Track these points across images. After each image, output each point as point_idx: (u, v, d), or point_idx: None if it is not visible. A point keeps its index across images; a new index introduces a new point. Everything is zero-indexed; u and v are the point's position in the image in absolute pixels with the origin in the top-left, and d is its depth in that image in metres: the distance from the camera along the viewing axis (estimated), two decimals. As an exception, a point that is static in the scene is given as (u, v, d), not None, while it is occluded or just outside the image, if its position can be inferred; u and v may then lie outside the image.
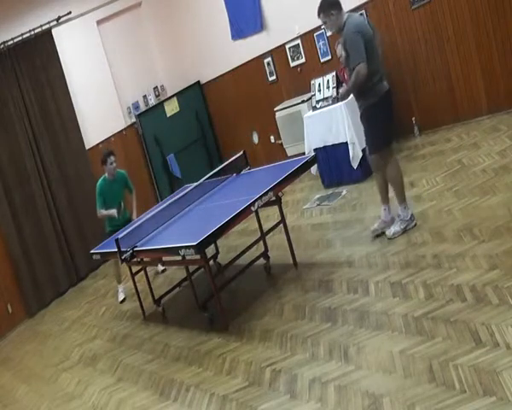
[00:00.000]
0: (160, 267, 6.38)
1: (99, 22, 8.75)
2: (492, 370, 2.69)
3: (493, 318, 3.06)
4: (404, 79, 6.86)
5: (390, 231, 4.54)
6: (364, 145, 6.23)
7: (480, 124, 6.26)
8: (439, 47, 6.47)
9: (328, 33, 7.31)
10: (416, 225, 4.55)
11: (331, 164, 6.41)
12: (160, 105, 9.18)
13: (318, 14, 4.43)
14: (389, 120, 4.51)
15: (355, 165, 6.22)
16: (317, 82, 6.57)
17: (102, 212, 6.06)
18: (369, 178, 6.24)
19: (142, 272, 5.65)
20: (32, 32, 7.74)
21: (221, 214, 4.40)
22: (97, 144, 8.50)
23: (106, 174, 6.14)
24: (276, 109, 7.88)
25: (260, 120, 8.60)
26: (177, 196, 5.74)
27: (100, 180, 6.13)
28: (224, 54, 8.69)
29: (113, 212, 5.99)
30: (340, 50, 6.50)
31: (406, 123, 6.90)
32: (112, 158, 6.05)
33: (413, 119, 6.90)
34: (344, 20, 4.33)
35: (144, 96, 9.30)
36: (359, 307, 3.83)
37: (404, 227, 4.53)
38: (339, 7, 4.39)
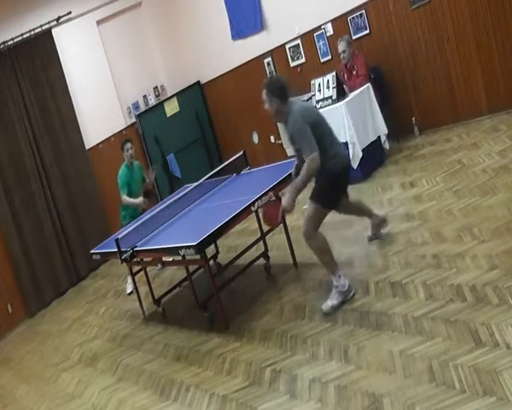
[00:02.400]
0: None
1: (99, 22, 8.75)
2: (492, 370, 2.69)
3: (493, 318, 3.06)
4: (404, 79, 6.86)
5: (327, 305, 3.94)
6: (364, 145, 6.30)
7: (480, 124, 6.26)
8: (439, 47, 6.47)
9: (329, 33, 7.34)
10: (354, 295, 3.99)
11: (331, 164, 6.40)
12: (160, 105, 9.18)
13: (263, 88, 4.01)
14: (340, 191, 4.16)
15: (355, 165, 6.22)
16: (317, 82, 6.57)
17: (128, 199, 6.16)
18: (369, 178, 6.26)
19: (142, 272, 5.65)
20: (32, 32, 7.74)
21: (221, 214, 4.40)
22: (97, 144, 8.50)
23: (127, 162, 6.31)
24: (276, 109, 7.87)
25: (260, 119, 8.59)
26: (177, 196, 5.74)
27: (122, 167, 6.30)
28: (224, 54, 8.69)
29: (140, 200, 6.16)
30: (341, 46, 6.57)
31: (406, 123, 6.90)
32: (128, 145, 6.27)
33: (413, 119, 6.90)
34: (287, 110, 3.94)
35: (144, 96, 9.30)
36: (359, 307, 3.83)
37: (341, 300, 3.95)
38: (284, 97, 3.96)
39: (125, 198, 6.18)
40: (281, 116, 4.01)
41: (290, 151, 7.82)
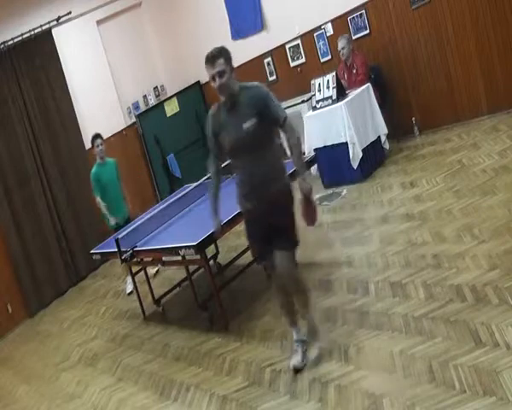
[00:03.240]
0: (152, 271, 6.33)
1: (99, 22, 8.75)
2: (492, 370, 2.69)
3: (493, 318, 3.06)
4: (404, 79, 6.86)
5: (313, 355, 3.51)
6: (364, 145, 6.29)
7: (479, 124, 6.27)
8: (439, 47, 6.47)
9: (329, 33, 7.33)
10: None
11: (331, 164, 6.41)
12: (160, 105, 9.18)
13: (217, 58, 3.27)
14: None
15: (355, 165, 6.22)
16: (317, 82, 6.57)
17: (100, 203, 6.05)
18: (369, 178, 6.26)
19: (142, 271, 5.66)
20: (32, 32, 7.74)
21: (221, 214, 4.39)
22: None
23: (98, 159, 6.21)
24: (276, 109, 7.87)
25: (260, 119, 8.60)
26: (177, 196, 5.74)
27: (93, 168, 6.20)
28: (224, 54, 8.68)
29: (112, 219, 6.03)
30: (341, 43, 6.61)
31: (406, 123, 6.90)
32: (98, 141, 6.16)
33: (413, 119, 6.90)
34: (237, 85, 3.33)
35: (144, 96, 9.30)
36: (359, 307, 3.83)
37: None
38: None
39: (98, 201, 6.07)
40: (233, 88, 3.30)
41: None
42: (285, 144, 3.47)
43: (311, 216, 3.39)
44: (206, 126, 3.52)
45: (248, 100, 3.29)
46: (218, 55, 3.29)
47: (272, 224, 3.31)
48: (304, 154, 3.46)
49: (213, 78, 3.26)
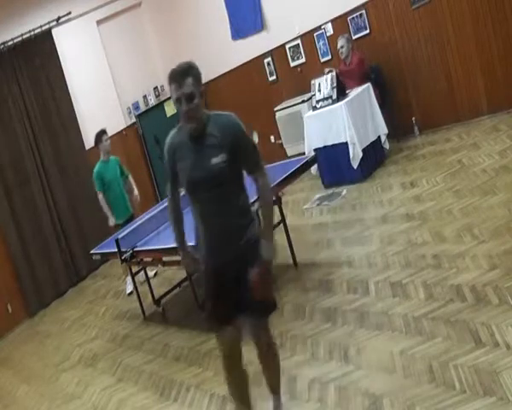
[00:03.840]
0: (150, 274, 6.32)
1: (99, 22, 8.75)
2: (492, 370, 2.69)
3: (493, 318, 3.06)
4: (404, 79, 6.86)
5: None
6: (364, 145, 6.29)
7: (480, 124, 6.27)
8: (439, 47, 6.47)
9: (329, 33, 7.33)
10: None
11: (331, 164, 6.41)
12: (160, 105, 9.19)
13: (185, 76, 2.66)
14: None
15: (355, 165, 6.22)
16: (317, 82, 6.57)
17: (102, 201, 6.07)
18: (369, 178, 6.25)
19: (142, 271, 5.65)
20: (32, 33, 7.73)
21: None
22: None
23: (101, 157, 6.19)
24: (276, 109, 7.88)
25: (260, 119, 8.59)
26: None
27: (96, 166, 6.17)
28: (224, 54, 8.69)
29: (111, 220, 6.07)
30: (341, 42, 6.64)
31: (406, 123, 6.90)
32: (105, 136, 6.17)
33: (413, 119, 6.90)
34: (205, 113, 2.81)
35: (144, 96, 9.30)
36: (359, 307, 3.83)
37: None
38: None
39: (100, 198, 6.09)
40: (201, 115, 2.76)
41: (290, 151, 7.82)
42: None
43: (263, 289, 2.66)
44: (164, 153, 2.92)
45: (218, 131, 2.72)
46: (187, 73, 2.65)
47: (242, 284, 2.67)
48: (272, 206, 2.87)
49: (179, 100, 2.66)
